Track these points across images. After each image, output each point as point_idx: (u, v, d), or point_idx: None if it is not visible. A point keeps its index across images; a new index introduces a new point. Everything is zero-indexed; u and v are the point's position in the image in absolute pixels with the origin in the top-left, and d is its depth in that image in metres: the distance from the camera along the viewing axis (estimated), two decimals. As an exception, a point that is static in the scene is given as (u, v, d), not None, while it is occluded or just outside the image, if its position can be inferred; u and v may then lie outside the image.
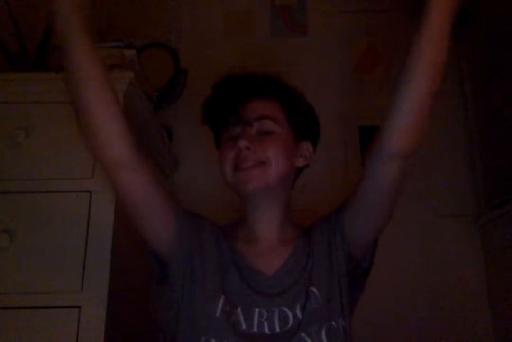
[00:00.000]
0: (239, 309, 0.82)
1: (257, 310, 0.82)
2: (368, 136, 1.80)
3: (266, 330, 0.81)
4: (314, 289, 0.85)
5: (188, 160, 1.77)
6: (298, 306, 0.83)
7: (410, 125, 0.85)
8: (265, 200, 0.90)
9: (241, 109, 0.89)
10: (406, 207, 1.71)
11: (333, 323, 0.82)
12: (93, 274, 1.01)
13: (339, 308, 0.84)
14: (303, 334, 0.80)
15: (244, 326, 0.81)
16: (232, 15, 1.98)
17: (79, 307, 0.99)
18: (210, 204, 1.60)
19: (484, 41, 1.70)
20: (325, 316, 0.83)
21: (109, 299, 1.00)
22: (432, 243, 1.66)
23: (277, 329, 0.81)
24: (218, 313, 0.80)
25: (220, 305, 0.81)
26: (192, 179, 1.74)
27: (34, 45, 1.32)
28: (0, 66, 1.30)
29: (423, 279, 1.62)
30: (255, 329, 0.81)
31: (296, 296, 0.84)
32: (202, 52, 1.92)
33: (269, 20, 1.97)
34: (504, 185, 1.50)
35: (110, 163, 0.80)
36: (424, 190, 1.73)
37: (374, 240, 0.97)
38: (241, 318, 0.81)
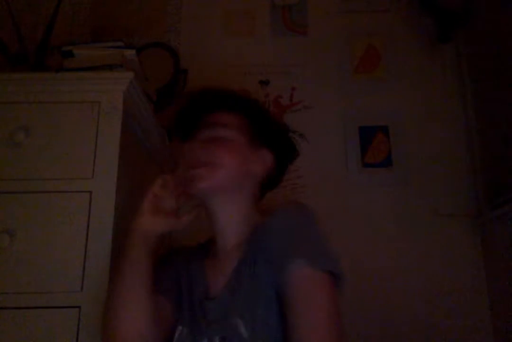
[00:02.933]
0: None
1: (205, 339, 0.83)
2: (368, 136, 1.80)
3: None
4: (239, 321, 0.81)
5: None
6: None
7: None
8: (217, 204, 0.92)
9: (208, 118, 0.95)
10: (406, 207, 1.72)
11: None
12: (93, 274, 1.01)
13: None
14: None
15: None
16: (232, 15, 1.98)
17: (79, 307, 0.99)
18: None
19: (484, 41, 1.70)
20: None
21: (109, 299, 1.00)
22: (432, 243, 1.67)
23: None
24: None
25: (176, 336, 0.87)
26: (192, 179, 1.74)
27: (34, 45, 1.32)
28: (0, 66, 1.30)
29: (423, 279, 1.63)
30: None
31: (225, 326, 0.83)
32: (202, 52, 1.92)
33: (269, 20, 1.97)
34: (504, 185, 1.50)
35: None
36: (424, 190, 1.73)
37: None
38: None
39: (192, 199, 0.94)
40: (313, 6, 1.98)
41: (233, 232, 0.92)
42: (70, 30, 1.77)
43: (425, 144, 1.79)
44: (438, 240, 1.67)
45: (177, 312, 0.90)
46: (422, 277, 1.63)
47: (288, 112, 1.84)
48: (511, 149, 1.46)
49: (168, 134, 1.66)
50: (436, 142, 1.79)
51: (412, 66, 1.88)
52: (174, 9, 1.98)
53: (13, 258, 1.02)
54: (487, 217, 1.59)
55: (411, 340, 1.55)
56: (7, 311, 0.99)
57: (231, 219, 0.93)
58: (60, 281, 1.00)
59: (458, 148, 1.78)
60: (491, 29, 1.64)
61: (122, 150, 1.12)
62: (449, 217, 1.70)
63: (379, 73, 1.88)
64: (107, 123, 1.12)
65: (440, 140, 1.79)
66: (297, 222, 0.82)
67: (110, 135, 1.11)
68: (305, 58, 1.90)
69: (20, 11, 1.38)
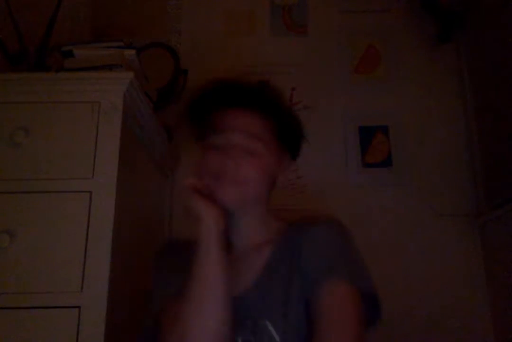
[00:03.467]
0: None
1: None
2: (368, 136, 1.80)
3: None
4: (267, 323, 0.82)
5: (188, 161, 1.77)
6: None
7: None
8: (238, 213, 0.90)
9: (232, 118, 0.88)
10: (406, 207, 1.72)
11: None
12: (93, 274, 1.01)
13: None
14: None
15: None
16: (232, 15, 1.98)
17: (79, 307, 0.99)
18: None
19: (484, 41, 1.70)
20: None
21: (109, 299, 1.00)
22: (432, 243, 1.67)
23: None
24: None
25: None
26: (192, 179, 1.74)
27: (34, 45, 1.32)
28: (0, 66, 1.30)
29: (423, 279, 1.63)
30: None
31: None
32: (202, 52, 1.92)
33: (269, 20, 1.97)
34: (504, 185, 1.50)
35: None
36: (424, 190, 1.73)
37: None
38: None
39: None
40: (313, 6, 1.98)
41: (251, 234, 0.93)
42: (70, 30, 1.77)
43: (425, 144, 1.79)
44: (438, 240, 1.67)
45: None
46: (422, 276, 1.63)
47: (288, 112, 1.83)
48: (511, 149, 1.46)
49: (168, 134, 1.65)
50: (436, 142, 1.79)
51: (412, 66, 1.88)
52: (174, 9, 1.98)
53: (13, 258, 1.02)
54: (487, 217, 1.59)
55: (411, 340, 1.55)
56: (7, 311, 0.99)
57: (250, 222, 0.92)
58: (60, 281, 1.01)
59: (458, 148, 1.78)
60: (491, 29, 1.64)
61: (122, 150, 1.12)
62: (449, 217, 1.70)
63: (379, 73, 1.88)
64: (107, 123, 1.12)
65: (440, 140, 1.79)
66: (339, 238, 0.87)
67: (110, 135, 1.11)
68: (305, 58, 1.90)
69: (20, 11, 1.38)
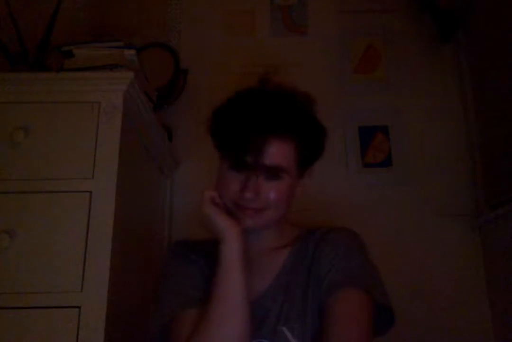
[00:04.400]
0: None
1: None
2: (368, 136, 1.80)
3: None
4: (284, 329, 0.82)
5: (188, 160, 1.77)
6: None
7: None
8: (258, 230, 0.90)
9: (259, 150, 0.83)
10: (406, 207, 1.72)
11: None
12: (93, 274, 1.01)
13: None
14: None
15: None
16: (232, 15, 1.98)
17: (79, 307, 0.99)
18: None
19: (484, 41, 1.70)
20: None
21: (109, 299, 1.00)
22: (432, 243, 1.66)
23: None
24: None
25: None
26: (192, 179, 1.74)
27: (34, 45, 1.32)
28: (0, 66, 1.30)
29: (422, 278, 1.62)
30: None
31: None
32: (202, 52, 1.92)
33: (269, 20, 1.97)
34: (504, 185, 1.50)
35: None
36: (424, 190, 1.73)
37: None
38: None
39: None
40: (313, 6, 1.97)
41: (268, 238, 0.93)
42: (70, 30, 1.77)
43: (425, 144, 1.79)
44: (438, 240, 1.67)
45: None
46: (422, 276, 1.63)
47: (288, 112, 1.83)
48: (511, 149, 1.46)
49: (168, 134, 1.65)
50: (436, 142, 1.79)
51: (412, 66, 1.88)
52: (174, 9, 1.98)
53: (13, 258, 1.02)
54: (487, 217, 1.59)
55: (411, 340, 1.55)
56: (7, 311, 0.99)
57: (265, 232, 0.92)
58: (60, 281, 1.01)
59: (458, 148, 1.78)
60: (491, 29, 1.64)
61: (122, 150, 1.12)
62: (449, 217, 1.70)
63: (379, 73, 1.88)
64: (107, 123, 1.12)
65: (440, 140, 1.79)
66: (356, 247, 0.89)
67: (110, 135, 1.11)
68: (305, 58, 1.90)
69: (20, 11, 1.38)
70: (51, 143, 1.11)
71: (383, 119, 1.82)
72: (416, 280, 1.62)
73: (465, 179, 1.74)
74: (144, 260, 1.38)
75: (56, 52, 1.29)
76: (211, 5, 1.99)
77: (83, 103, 1.14)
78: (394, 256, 1.64)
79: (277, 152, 0.84)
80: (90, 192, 1.07)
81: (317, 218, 1.53)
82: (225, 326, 0.76)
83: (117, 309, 1.06)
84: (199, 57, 1.90)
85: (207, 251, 0.94)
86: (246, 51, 1.92)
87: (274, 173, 0.84)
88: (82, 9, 1.89)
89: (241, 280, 0.80)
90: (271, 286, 0.87)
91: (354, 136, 1.81)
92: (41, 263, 1.02)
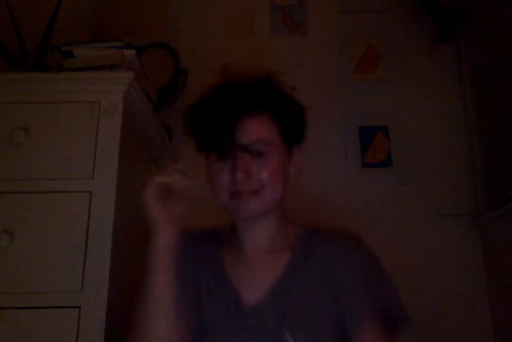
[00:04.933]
0: None
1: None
2: (368, 136, 1.80)
3: None
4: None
5: (188, 160, 1.77)
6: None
7: None
8: (259, 220, 0.87)
9: (237, 131, 0.82)
10: (406, 207, 1.72)
11: None
12: (93, 274, 1.01)
13: None
14: None
15: None
16: (232, 15, 1.98)
17: (79, 307, 0.99)
18: (209, 203, 1.60)
19: (484, 41, 1.70)
20: None
21: (109, 299, 1.00)
22: (432, 243, 1.67)
23: None
24: None
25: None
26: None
27: (34, 45, 1.32)
28: (0, 66, 1.30)
29: (422, 279, 1.62)
30: None
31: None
32: (202, 52, 1.92)
33: (269, 20, 1.97)
34: (504, 185, 1.50)
35: None
36: (424, 190, 1.73)
37: None
38: None
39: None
40: (313, 6, 1.98)
41: (267, 237, 0.89)
42: (70, 30, 1.77)
43: (425, 144, 1.79)
44: (438, 240, 1.67)
45: (196, 311, 0.86)
46: (422, 276, 1.63)
47: (288, 112, 1.84)
48: (511, 149, 1.46)
49: (168, 134, 1.65)
50: (436, 142, 1.79)
51: (412, 66, 1.88)
52: (174, 9, 1.98)
53: (13, 258, 1.02)
54: (487, 217, 1.59)
55: (411, 340, 1.55)
56: (7, 311, 0.99)
57: (265, 225, 0.89)
58: (60, 281, 1.00)
59: (458, 148, 1.78)
60: (491, 29, 1.64)
61: (122, 150, 1.12)
62: (449, 217, 1.70)
63: (379, 73, 1.88)
64: (107, 123, 1.12)
65: (440, 140, 1.79)
66: (372, 265, 0.89)
67: (110, 135, 1.11)
68: (305, 58, 1.90)
69: (20, 11, 1.38)
70: (51, 143, 1.11)
71: (383, 119, 1.82)
72: (416, 279, 1.62)
73: (465, 179, 1.74)
74: (144, 260, 1.38)
75: (56, 52, 1.29)
76: (211, 5, 1.99)
77: (83, 103, 1.14)
78: (394, 256, 1.64)
79: (255, 128, 0.83)
80: (90, 192, 1.07)
81: (317, 217, 1.54)
82: (149, 318, 0.79)
83: (117, 309, 1.06)
84: (199, 57, 1.90)
85: (221, 238, 0.93)
86: (246, 51, 1.92)
87: (258, 148, 0.82)
88: (82, 9, 1.89)
89: (164, 280, 0.80)
90: (272, 291, 0.84)
91: (354, 136, 1.81)
92: (41, 263, 1.01)
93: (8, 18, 1.30)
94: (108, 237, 1.04)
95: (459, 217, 1.70)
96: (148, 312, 0.80)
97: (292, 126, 0.88)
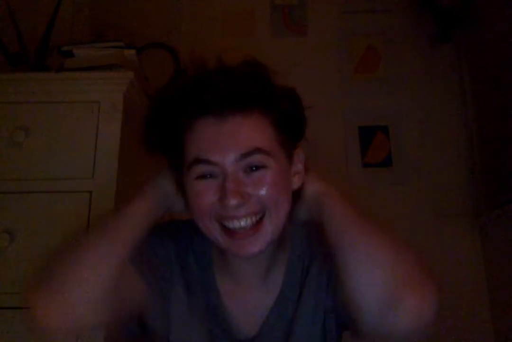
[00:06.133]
0: None
1: None
2: (368, 136, 1.80)
3: None
4: None
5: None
6: None
7: None
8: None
9: (222, 136, 0.62)
10: (406, 207, 1.72)
11: None
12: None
13: None
14: None
15: None
16: (232, 15, 1.98)
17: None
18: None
19: (484, 41, 1.70)
20: None
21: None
22: (432, 243, 1.66)
23: None
24: None
25: None
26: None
27: (34, 45, 1.32)
28: (0, 66, 1.30)
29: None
30: None
31: None
32: (202, 52, 1.92)
33: (269, 20, 1.97)
34: (504, 185, 1.50)
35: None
36: (424, 190, 1.73)
37: None
38: None
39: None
40: (313, 6, 1.97)
41: (264, 265, 0.72)
42: (70, 30, 1.77)
43: (425, 144, 1.79)
44: (438, 240, 1.67)
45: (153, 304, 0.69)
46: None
47: (288, 112, 1.84)
48: (511, 149, 1.46)
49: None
50: (436, 143, 1.79)
51: (412, 66, 1.88)
52: (174, 9, 1.97)
53: (13, 258, 1.02)
54: (487, 217, 1.59)
55: (411, 340, 1.55)
56: (7, 311, 0.99)
57: (264, 255, 0.71)
58: (60, 281, 1.00)
59: (458, 148, 1.78)
60: (491, 29, 1.64)
61: (122, 150, 1.12)
62: (449, 217, 1.70)
63: (379, 73, 1.88)
64: (107, 123, 1.12)
65: (440, 140, 1.79)
66: None
67: (110, 135, 1.11)
68: (305, 58, 1.90)
69: (20, 11, 1.38)
70: (51, 143, 1.11)
71: (383, 119, 1.82)
72: (416, 280, 1.62)
73: (465, 179, 1.74)
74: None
75: (56, 52, 1.29)
76: (211, 5, 1.99)
77: (83, 103, 1.14)
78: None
79: (245, 132, 0.63)
80: (90, 192, 1.07)
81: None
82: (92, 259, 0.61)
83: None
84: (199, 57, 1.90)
85: (188, 249, 0.76)
86: (246, 51, 1.91)
87: (253, 161, 0.62)
88: (82, 9, 1.89)
89: (136, 224, 0.65)
90: (264, 323, 0.72)
91: (354, 136, 1.81)
92: (41, 263, 1.01)
93: (8, 18, 1.31)
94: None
95: (459, 217, 1.70)
96: (97, 250, 0.61)
97: (290, 122, 0.69)
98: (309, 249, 0.75)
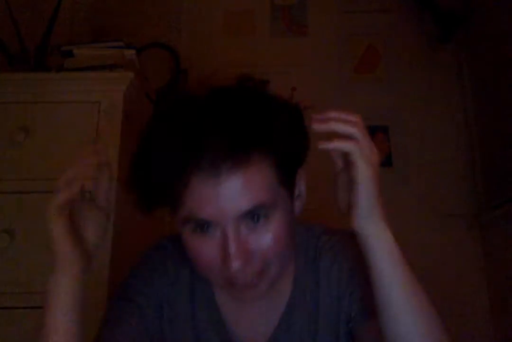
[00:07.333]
0: None
1: None
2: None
3: None
4: None
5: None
6: None
7: None
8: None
9: (219, 194, 0.55)
10: (406, 207, 1.72)
11: None
12: (93, 274, 1.01)
13: None
14: None
15: None
16: (232, 15, 1.98)
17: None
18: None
19: (484, 41, 1.70)
20: None
21: (109, 298, 1.00)
22: (432, 242, 1.66)
23: None
24: None
25: None
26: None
27: (34, 45, 1.32)
28: (0, 66, 1.30)
29: (422, 278, 1.62)
30: None
31: None
32: (202, 52, 1.92)
33: (269, 20, 1.97)
34: (504, 185, 1.50)
35: None
36: (424, 190, 1.73)
37: None
38: None
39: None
40: (313, 6, 1.97)
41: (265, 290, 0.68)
42: (70, 30, 1.77)
43: (425, 144, 1.79)
44: (438, 239, 1.67)
45: None
46: (422, 276, 1.62)
47: (288, 112, 1.84)
48: (511, 149, 1.46)
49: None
50: (436, 142, 1.79)
51: (412, 66, 1.88)
52: (174, 9, 1.98)
53: (13, 258, 1.02)
54: (487, 217, 1.59)
55: (411, 340, 1.55)
56: (7, 311, 0.99)
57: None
58: (60, 281, 1.00)
59: (458, 148, 1.78)
60: (491, 29, 1.64)
61: (122, 150, 1.12)
62: (449, 217, 1.70)
63: (379, 73, 1.88)
64: (107, 123, 1.12)
65: (440, 140, 1.79)
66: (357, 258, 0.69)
67: (110, 135, 1.11)
68: (305, 58, 1.90)
69: (20, 11, 1.38)
70: (51, 143, 1.11)
71: (383, 119, 1.82)
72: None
73: (465, 179, 1.74)
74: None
75: (56, 52, 1.29)
76: (211, 5, 1.99)
77: (83, 103, 1.14)
78: (394, 256, 1.64)
79: (245, 188, 0.56)
80: (90, 192, 1.07)
81: (316, 217, 1.53)
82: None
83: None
84: (199, 57, 1.90)
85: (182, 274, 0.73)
86: (246, 51, 1.92)
87: (256, 215, 0.57)
88: (82, 9, 1.89)
89: (62, 325, 0.63)
90: (279, 329, 0.69)
91: (354, 136, 1.81)
92: (41, 263, 1.01)
93: (8, 18, 1.31)
94: (108, 237, 1.04)
95: (459, 217, 1.70)
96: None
97: (293, 158, 0.64)
98: (315, 246, 0.73)
